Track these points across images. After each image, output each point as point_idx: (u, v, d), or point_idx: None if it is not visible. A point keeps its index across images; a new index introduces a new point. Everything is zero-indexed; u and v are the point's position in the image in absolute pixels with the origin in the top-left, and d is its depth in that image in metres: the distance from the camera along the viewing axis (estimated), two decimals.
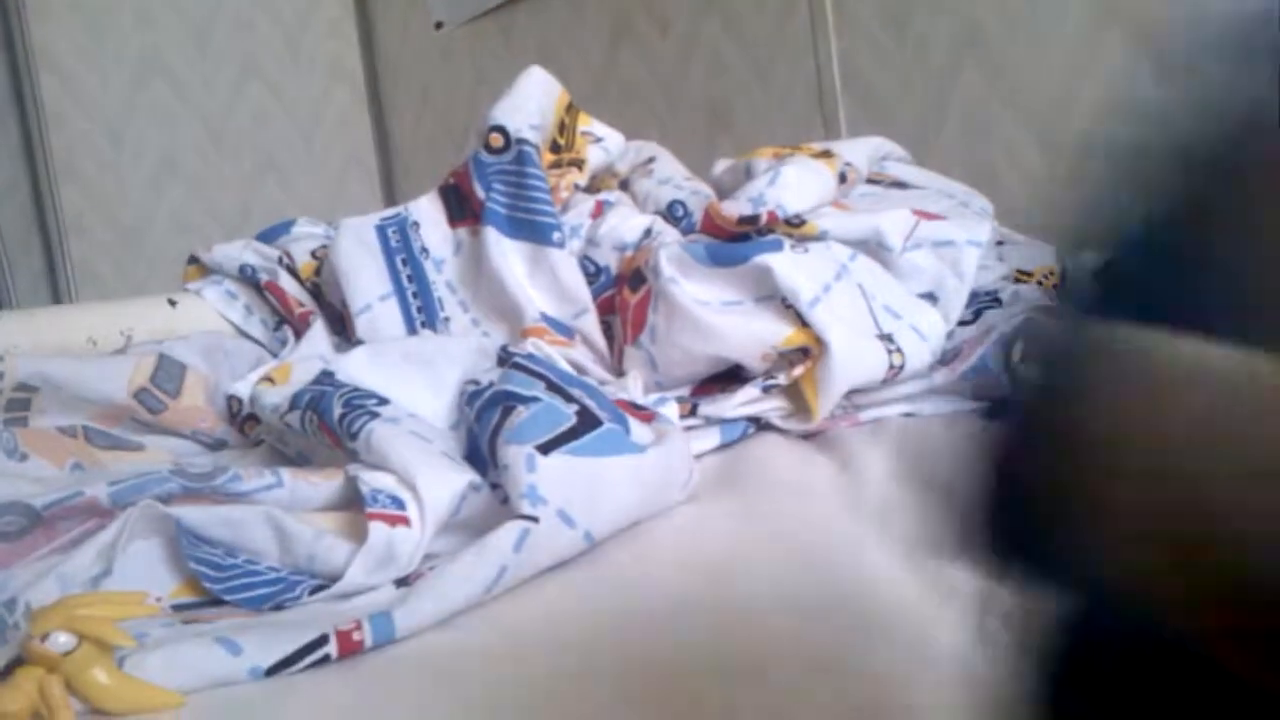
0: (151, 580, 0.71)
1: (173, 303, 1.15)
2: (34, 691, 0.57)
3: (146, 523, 0.74)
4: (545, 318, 1.06)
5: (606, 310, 1.07)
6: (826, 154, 1.15)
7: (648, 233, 1.08)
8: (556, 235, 1.07)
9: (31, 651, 0.60)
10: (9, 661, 0.60)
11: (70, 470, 0.88)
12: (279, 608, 0.69)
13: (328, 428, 0.83)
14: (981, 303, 1.01)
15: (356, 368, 0.91)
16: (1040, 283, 1.06)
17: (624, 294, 1.04)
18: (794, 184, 1.06)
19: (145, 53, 2.93)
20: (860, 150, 1.21)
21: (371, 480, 0.75)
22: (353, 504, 0.76)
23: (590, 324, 1.06)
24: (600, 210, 1.14)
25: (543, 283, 1.07)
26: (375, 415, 0.82)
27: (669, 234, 1.07)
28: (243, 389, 1.01)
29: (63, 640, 0.60)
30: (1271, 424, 0.23)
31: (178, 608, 0.70)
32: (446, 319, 1.09)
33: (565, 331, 1.06)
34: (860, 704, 0.54)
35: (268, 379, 0.99)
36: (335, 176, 3.11)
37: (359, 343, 1.08)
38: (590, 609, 0.69)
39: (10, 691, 0.57)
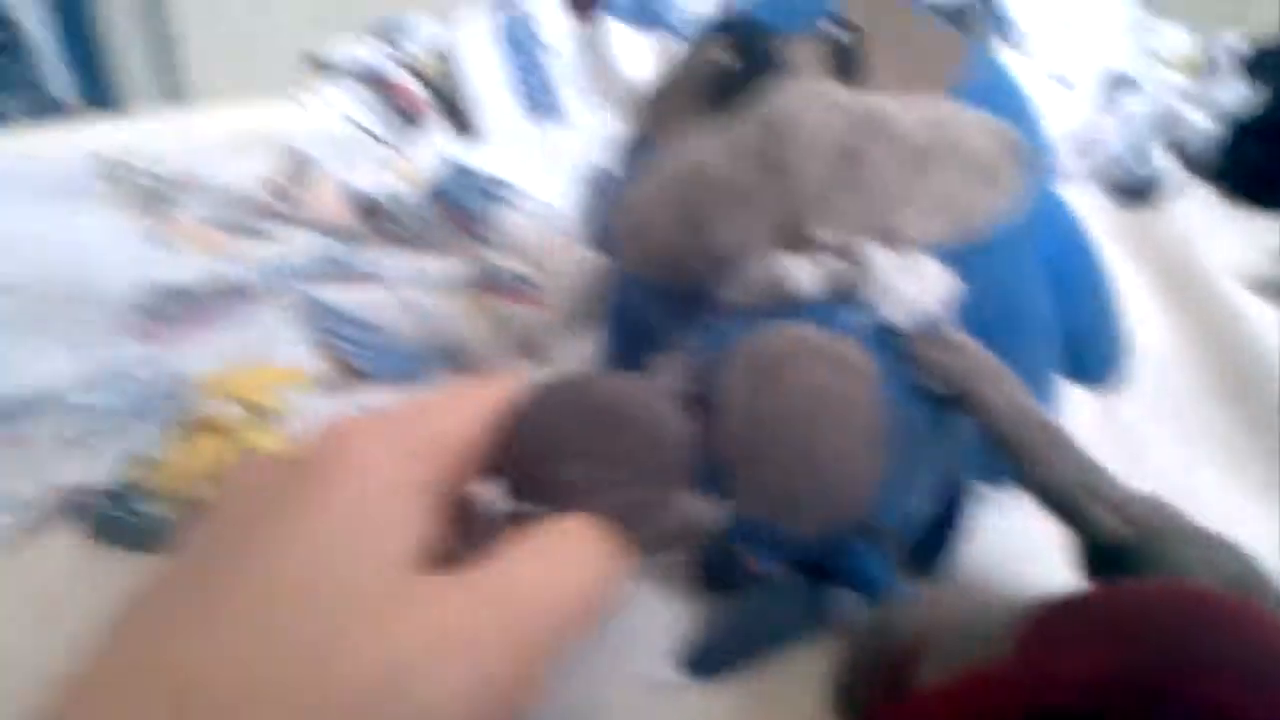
0: (302, 358, 0.76)
1: (294, 102, 1.17)
2: (211, 454, 0.63)
3: (295, 304, 0.78)
4: None
5: None
6: None
7: None
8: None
9: (204, 421, 0.66)
10: (185, 430, 0.66)
11: (216, 259, 0.92)
12: (416, 380, 0.74)
13: (456, 216, 0.86)
14: None
15: (478, 157, 0.93)
16: None
17: None
18: None
19: None
20: None
21: (501, 262, 0.78)
22: (483, 286, 0.79)
23: None
24: None
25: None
26: (502, 201, 0.84)
27: None
28: (370, 183, 1.03)
29: (231, 409, 0.66)
30: None
31: None
32: (566, 108, 1.10)
33: None
34: None
35: (394, 172, 1.01)
36: None
37: (480, 134, 1.10)
38: None
39: (191, 454, 0.63)
